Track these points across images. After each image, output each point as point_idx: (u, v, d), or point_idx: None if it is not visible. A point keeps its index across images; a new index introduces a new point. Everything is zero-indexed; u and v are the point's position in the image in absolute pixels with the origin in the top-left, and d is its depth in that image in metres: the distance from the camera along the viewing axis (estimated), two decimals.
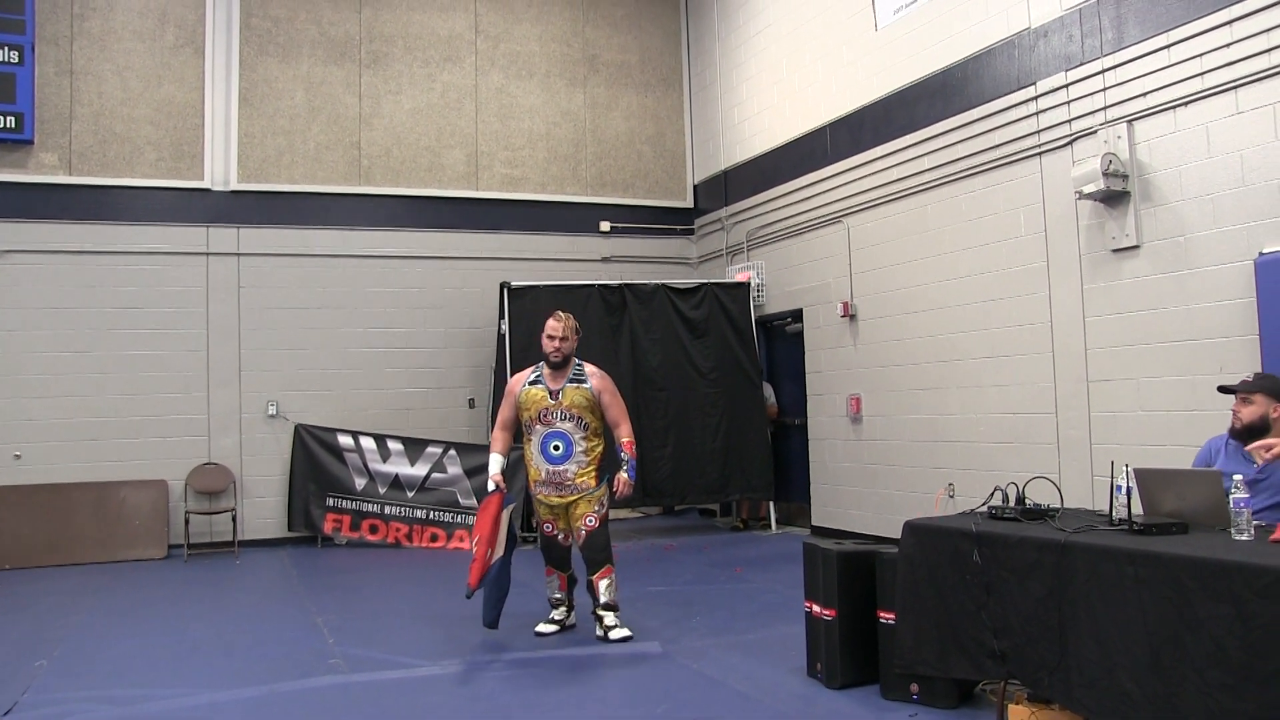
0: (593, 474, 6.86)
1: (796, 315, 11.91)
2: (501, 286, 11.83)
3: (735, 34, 13.05)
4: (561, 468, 6.77)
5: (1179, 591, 3.83)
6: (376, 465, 11.70)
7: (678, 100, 14.25)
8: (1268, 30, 6.78)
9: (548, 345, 6.80)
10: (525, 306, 11.69)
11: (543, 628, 7.05)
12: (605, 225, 13.65)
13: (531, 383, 6.87)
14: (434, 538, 11.50)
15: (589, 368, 7.00)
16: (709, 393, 11.81)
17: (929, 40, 9.73)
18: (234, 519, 11.45)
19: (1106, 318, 7.95)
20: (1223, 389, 5.41)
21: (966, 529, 4.80)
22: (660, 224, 14.02)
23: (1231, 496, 4.19)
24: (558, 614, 7.11)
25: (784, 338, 12.55)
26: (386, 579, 9.80)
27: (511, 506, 6.97)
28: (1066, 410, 8.29)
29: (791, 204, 11.82)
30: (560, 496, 6.81)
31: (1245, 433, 5.08)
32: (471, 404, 12.78)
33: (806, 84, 11.58)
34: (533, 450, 6.84)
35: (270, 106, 12.26)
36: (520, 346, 11.60)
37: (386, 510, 11.62)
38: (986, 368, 9.09)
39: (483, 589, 6.63)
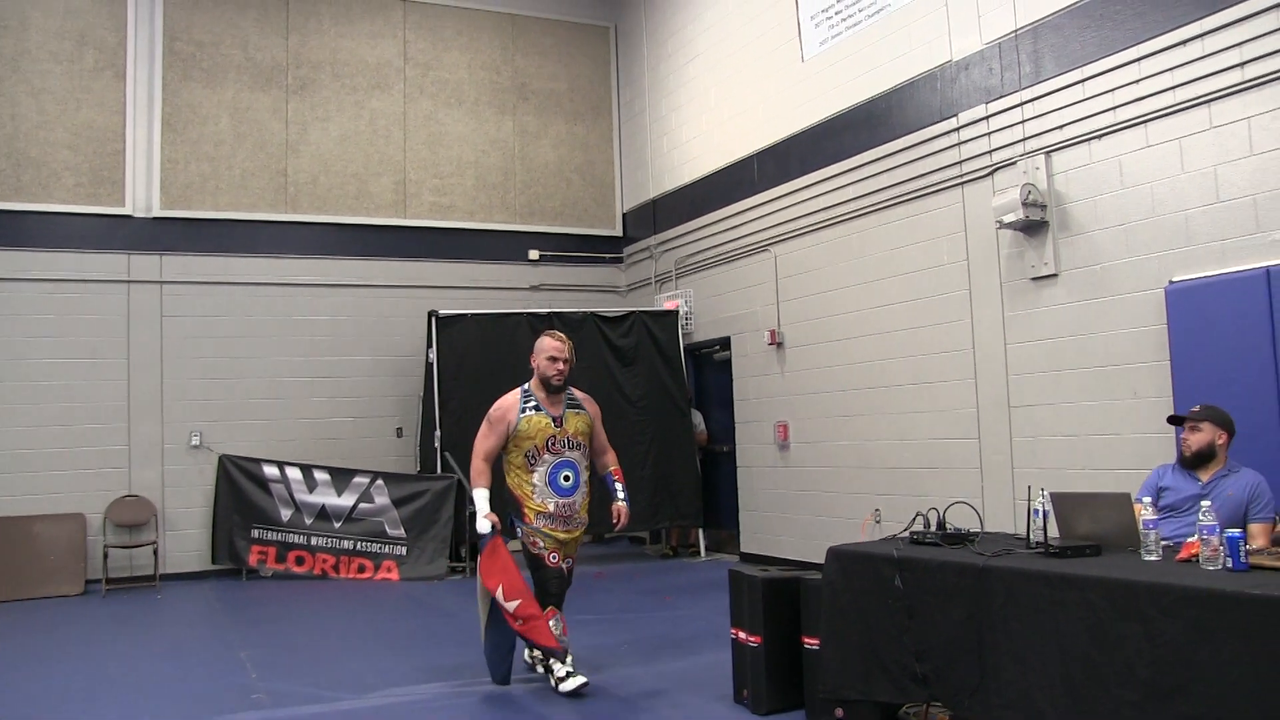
0: (587, 506, 6.50)
1: (725, 343, 11.99)
2: (429, 315, 11.78)
3: (665, 63, 13.15)
4: (571, 499, 6.32)
5: (1091, 612, 3.91)
6: (303, 496, 11.53)
7: (607, 129, 14.31)
8: (1172, 69, 7.00)
9: (549, 368, 6.32)
10: (453, 335, 11.66)
11: (573, 684, 6.12)
12: (534, 253, 13.64)
13: (530, 408, 6.32)
14: (361, 568, 11.35)
15: (578, 392, 6.60)
16: (638, 421, 11.82)
17: (854, 71, 9.88)
18: (155, 552, 11.21)
19: (1027, 344, 8.09)
20: (1172, 419, 5.71)
21: (888, 554, 4.85)
22: (589, 252, 14.04)
23: (1141, 518, 4.28)
24: (570, 662, 6.27)
25: (712, 365, 12.63)
26: (312, 611, 9.66)
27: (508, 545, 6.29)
28: (989, 435, 8.41)
29: (719, 232, 11.92)
30: (568, 531, 6.33)
31: (1194, 459, 5.37)
32: (399, 433, 12.68)
33: (735, 113, 11.70)
34: (537, 481, 6.25)
35: (194, 132, 12.12)
36: (449, 375, 11.58)
37: (313, 541, 11.46)
38: (911, 394, 9.20)
39: (487, 644, 6.30)
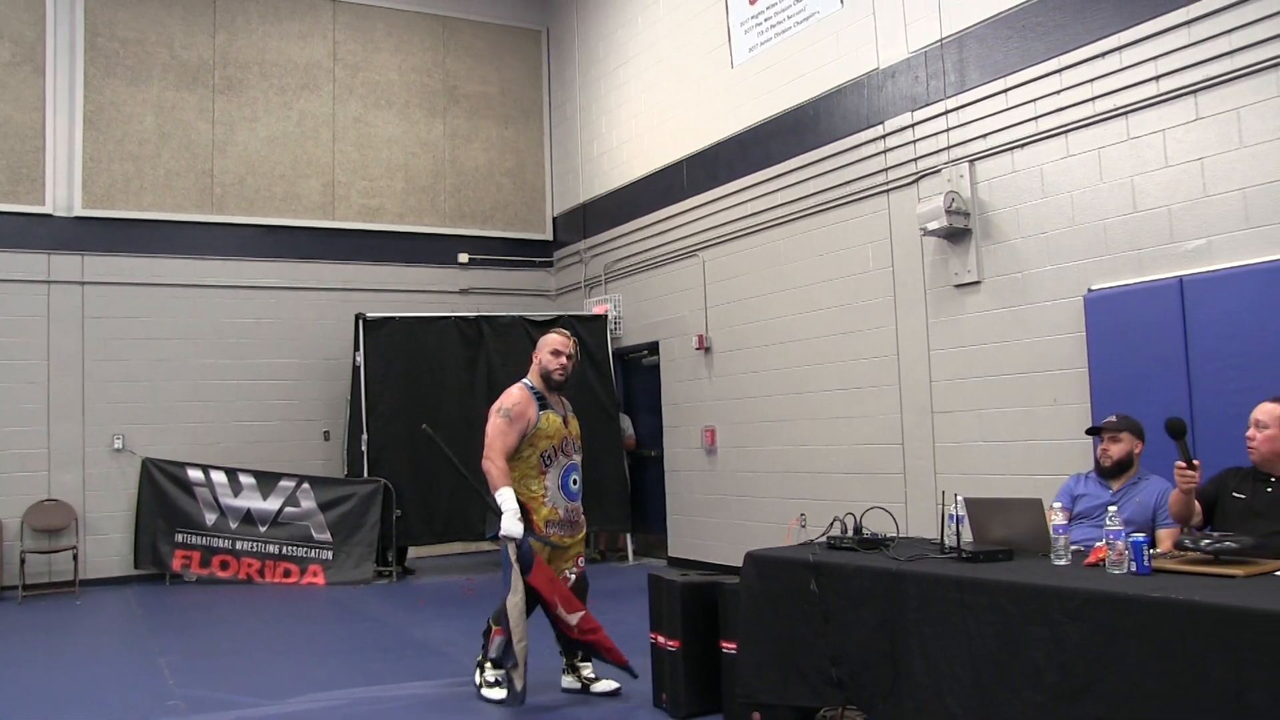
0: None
1: (653, 348, 12.01)
2: (356, 318, 11.67)
3: (596, 67, 13.15)
4: (578, 503, 6.06)
5: (1000, 616, 3.95)
6: (228, 500, 11.38)
7: (538, 132, 14.27)
8: (1091, 80, 7.13)
9: (552, 361, 5.96)
10: (380, 338, 11.58)
11: (498, 695, 5.99)
12: (464, 257, 13.56)
13: (543, 405, 5.91)
14: (287, 573, 11.22)
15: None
16: None
17: (783, 78, 9.94)
18: (75, 558, 10.98)
19: (950, 351, 8.18)
20: (1090, 431, 5.77)
21: (804, 559, 4.87)
22: (519, 256, 13.99)
23: (1051, 523, 4.34)
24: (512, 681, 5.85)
25: (641, 370, 12.63)
26: (236, 616, 9.52)
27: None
28: (912, 441, 8.49)
29: (648, 237, 11.92)
30: (572, 537, 6.05)
31: (1115, 468, 5.46)
32: (326, 436, 12.55)
33: (664, 119, 11.72)
34: (549, 485, 5.87)
35: (118, 130, 11.90)
36: (376, 378, 11.49)
37: (238, 545, 11.31)
38: (837, 399, 9.27)
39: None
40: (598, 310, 12.46)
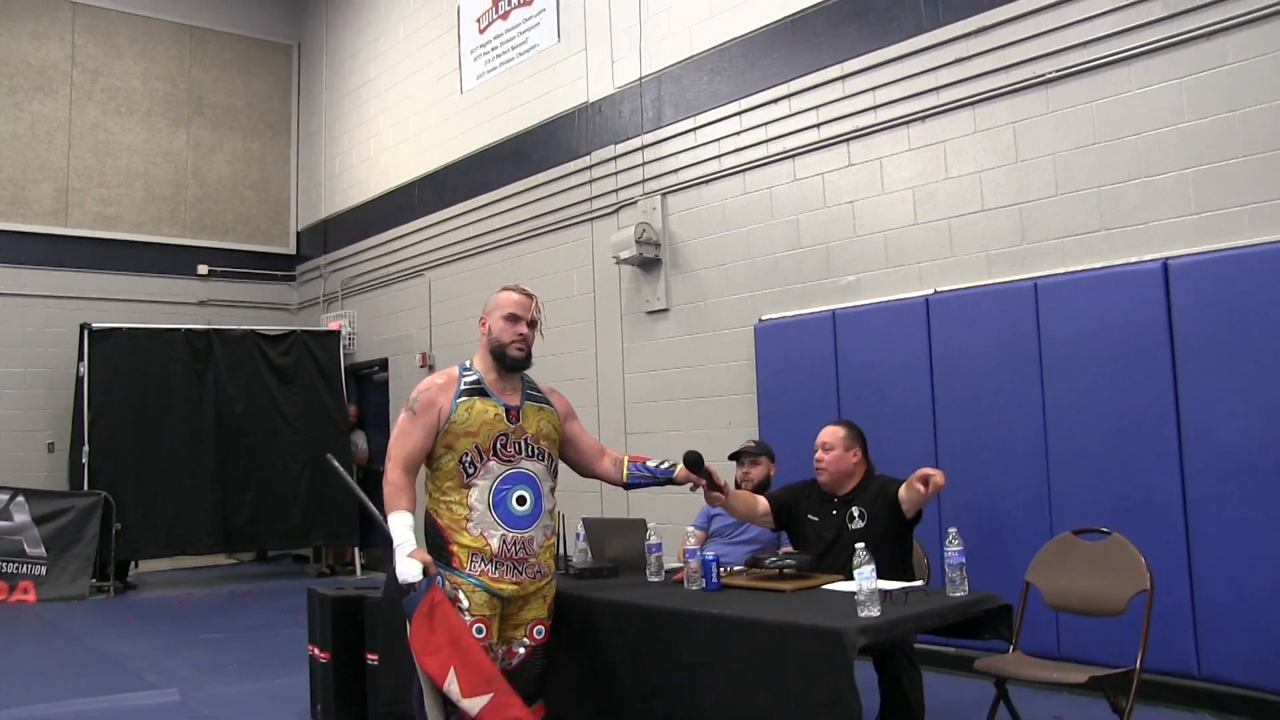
0: (553, 549, 4.24)
1: (384, 364, 12.13)
2: (81, 328, 11.39)
3: (341, 85, 13.21)
4: (527, 533, 4.01)
5: (595, 629, 4.29)
6: None
7: (284, 146, 14.21)
8: (765, 124, 7.68)
9: (507, 331, 4.11)
10: (106, 349, 11.32)
11: None
12: (203, 268, 13.38)
13: (470, 391, 4.07)
14: None
15: (539, 382, 4.38)
16: (294, 439, 11.76)
17: (506, 105, 10.25)
18: None
19: (643, 374, 8.61)
20: (733, 456, 6.10)
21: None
22: (261, 269, 13.88)
23: (646, 543, 4.71)
24: None
25: (374, 386, 12.72)
26: None
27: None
28: None
29: (382, 255, 12.08)
30: (517, 584, 4.00)
31: (755, 490, 5.70)
32: (51, 449, 12.20)
33: (400, 139, 11.89)
34: (475, 503, 3.97)
35: None
36: (100, 390, 11.22)
37: None
38: None
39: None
40: (332, 326, 12.50)
